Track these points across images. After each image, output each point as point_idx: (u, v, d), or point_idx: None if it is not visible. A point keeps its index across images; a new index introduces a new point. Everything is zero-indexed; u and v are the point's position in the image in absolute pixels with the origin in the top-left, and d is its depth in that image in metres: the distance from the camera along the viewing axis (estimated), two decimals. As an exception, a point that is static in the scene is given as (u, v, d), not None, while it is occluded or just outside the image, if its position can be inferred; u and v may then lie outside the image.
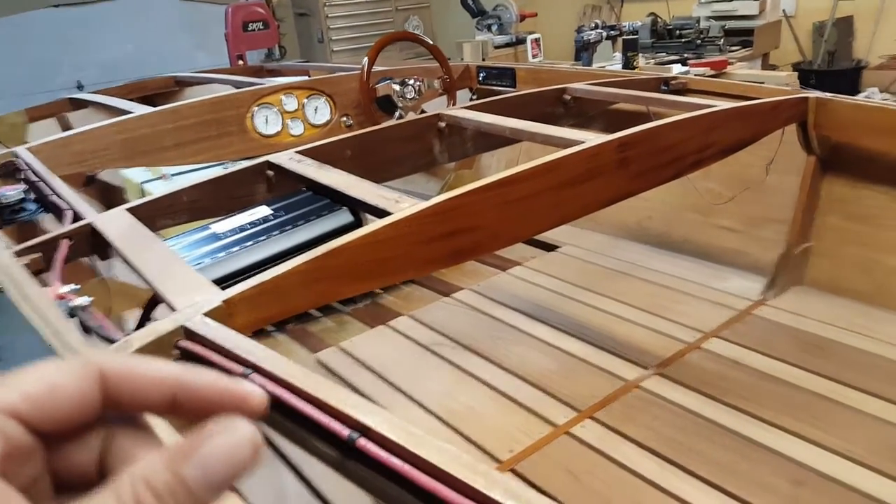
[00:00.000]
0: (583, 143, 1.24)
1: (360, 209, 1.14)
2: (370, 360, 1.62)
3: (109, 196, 2.28)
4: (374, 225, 0.98)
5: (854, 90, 4.45)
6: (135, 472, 0.24)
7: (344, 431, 0.65)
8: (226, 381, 0.27)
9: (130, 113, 1.84)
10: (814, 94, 1.67)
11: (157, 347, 0.80)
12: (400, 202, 1.06)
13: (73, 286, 0.95)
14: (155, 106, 2.03)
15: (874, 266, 1.65)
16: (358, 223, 1.15)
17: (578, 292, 1.86)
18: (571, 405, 1.39)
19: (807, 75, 4.27)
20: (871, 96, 3.94)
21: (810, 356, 1.46)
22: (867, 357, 1.44)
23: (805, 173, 1.75)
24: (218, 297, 0.86)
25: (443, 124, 1.58)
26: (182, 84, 2.89)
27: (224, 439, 0.24)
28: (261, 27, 4.10)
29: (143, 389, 0.27)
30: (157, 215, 1.19)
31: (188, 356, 0.80)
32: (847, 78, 4.54)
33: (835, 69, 4.76)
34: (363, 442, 0.64)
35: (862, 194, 1.68)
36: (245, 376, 0.72)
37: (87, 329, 0.93)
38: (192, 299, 0.86)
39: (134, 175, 2.49)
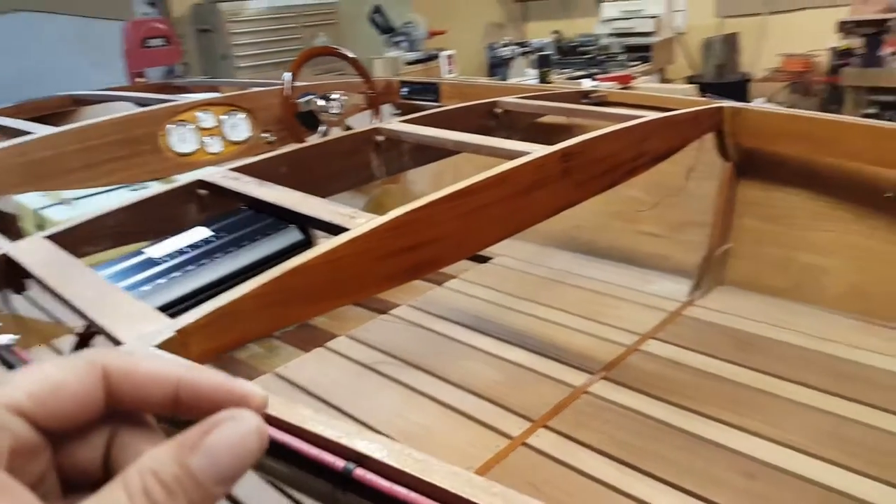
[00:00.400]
0: (529, 153, 1.25)
1: (311, 226, 1.10)
2: (311, 386, 1.56)
3: (2, 225, 2.12)
4: (331, 242, 0.95)
5: (743, 101, 4.72)
6: (143, 465, 0.24)
7: (338, 463, 0.62)
8: (227, 380, 0.28)
9: (30, 134, 1.70)
10: (728, 103, 1.75)
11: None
12: (355, 217, 1.03)
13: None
14: (54, 126, 1.89)
15: (789, 263, 1.74)
16: (308, 241, 1.11)
17: (516, 302, 1.87)
18: (524, 415, 1.38)
19: (700, 88, 4.49)
20: (745, 106, 4.20)
21: (742, 352, 1.52)
22: (793, 349, 1.51)
23: (722, 179, 1.83)
24: (169, 326, 0.80)
25: (381, 138, 1.56)
26: (81, 103, 2.72)
27: (230, 429, 0.24)
28: (162, 43, 3.96)
29: (145, 387, 0.27)
30: (79, 242, 1.10)
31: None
32: (736, 90, 4.81)
33: (724, 82, 5.03)
34: (361, 472, 0.61)
35: (775, 196, 1.78)
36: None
37: (12, 370, 0.85)
38: (140, 330, 0.80)
39: (29, 201, 2.33)
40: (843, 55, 4.02)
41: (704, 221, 1.88)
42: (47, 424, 0.25)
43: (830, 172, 1.64)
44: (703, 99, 2.06)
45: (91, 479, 0.28)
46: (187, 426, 0.26)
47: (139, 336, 0.79)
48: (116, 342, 0.79)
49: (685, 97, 2.15)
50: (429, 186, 2.66)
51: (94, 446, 0.28)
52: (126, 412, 0.28)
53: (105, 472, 0.28)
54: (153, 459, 0.24)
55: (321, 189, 1.47)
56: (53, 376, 0.26)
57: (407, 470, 0.59)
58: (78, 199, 2.34)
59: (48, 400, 0.25)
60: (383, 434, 1.36)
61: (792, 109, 1.69)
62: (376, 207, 2.75)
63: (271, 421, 0.66)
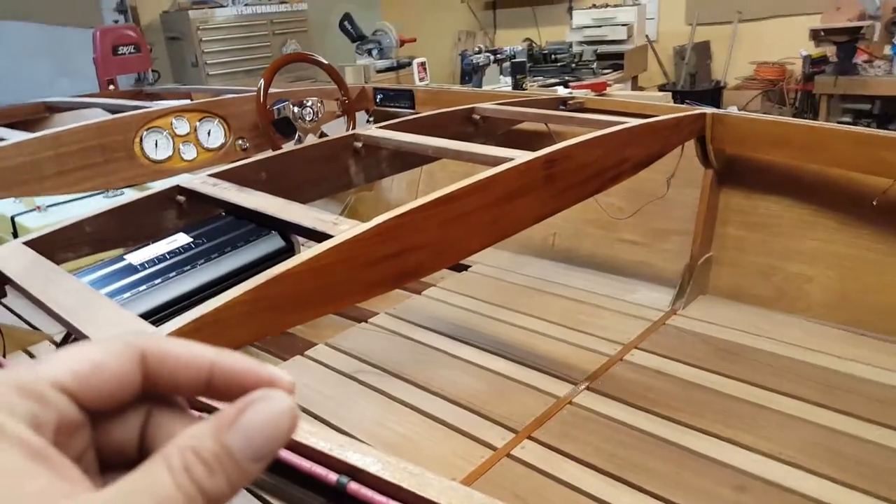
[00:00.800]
0: (512, 160, 1.23)
1: (293, 233, 1.06)
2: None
3: (-27, 232, 2.05)
4: (315, 249, 0.92)
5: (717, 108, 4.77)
6: (182, 442, 0.24)
7: (331, 476, 0.59)
8: (257, 365, 0.28)
9: (3, 140, 1.65)
10: (709, 110, 1.75)
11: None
12: (339, 224, 1.00)
13: (-32, 333, 0.82)
14: (27, 132, 1.84)
15: (773, 272, 1.74)
16: (290, 248, 1.07)
17: (496, 310, 1.85)
18: (507, 426, 1.36)
19: (673, 96, 4.53)
20: (728, 112, 4.25)
21: (727, 362, 1.51)
22: (778, 360, 1.51)
23: (703, 186, 1.83)
24: (152, 334, 0.77)
25: (359, 144, 1.53)
26: (54, 110, 2.65)
27: (264, 408, 0.25)
28: (132, 51, 3.87)
29: (180, 370, 0.28)
30: (57, 248, 1.06)
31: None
32: (709, 97, 4.86)
33: (697, 90, 5.09)
34: (355, 486, 0.58)
35: (757, 204, 1.78)
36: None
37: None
38: (121, 339, 0.76)
39: (1, 207, 2.26)
40: (816, 63, 4.07)
41: (685, 229, 1.88)
42: (89, 402, 0.26)
43: (814, 180, 1.64)
44: (684, 105, 2.06)
45: (127, 458, 0.29)
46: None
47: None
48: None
49: (664, 104, 2.15)
50: (404, 192, 2.63)
51: (131, 427, 0.29)
52: (161, 395, 0.29)
53: (140, 453, 0.29)
54: (192, 437, 0.25)
55: (300, 195, 1.43)
56: (95, 356, 0.27)
57: (403, 484, 0.56)
58: (50, 206, 2.28)
59: (90, 378, 0.26)
60: (364, 444, 1.33)
61: (774, 116, 1.69)
62: (351, 214, 2.72)
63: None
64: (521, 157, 1.25)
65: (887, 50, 3.77)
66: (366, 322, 1.84)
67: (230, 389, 0.28)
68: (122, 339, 0.27)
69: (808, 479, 1.15)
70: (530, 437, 1.32)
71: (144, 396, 0.28)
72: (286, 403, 0.25)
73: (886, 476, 1.14)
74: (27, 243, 1.03)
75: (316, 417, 1.44)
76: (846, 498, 1.10)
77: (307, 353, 1.69)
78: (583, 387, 1.46)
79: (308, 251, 0.91)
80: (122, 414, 0.28)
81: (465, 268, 2.14)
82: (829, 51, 4.06)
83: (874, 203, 1.55)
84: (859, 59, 3.92)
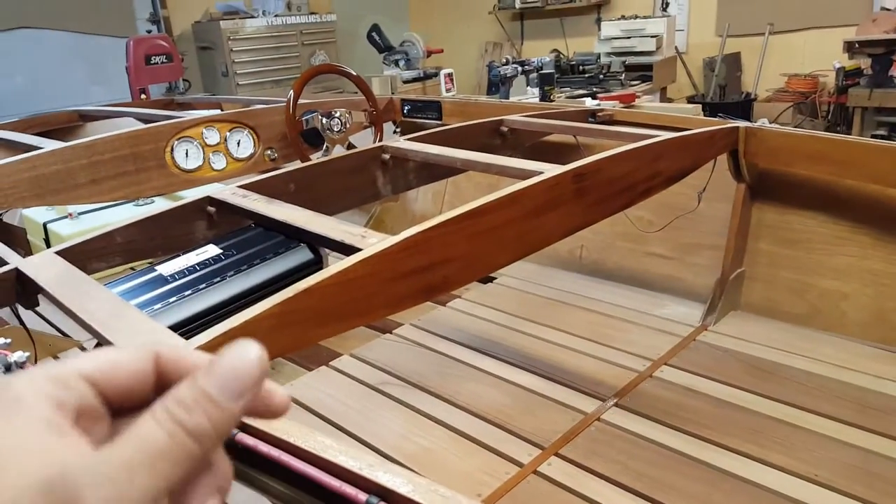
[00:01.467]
0: (541, 173, 1.22)
1: (321, 245, 1.06)
2: (315, 405, 1.52)
3: (8, 238, 2.08)
4: (344, 262, 0.92)
5: (747, 121, 4.72)
6: (165, 397, 0.28)
7: (360, 497, 0.58)
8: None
9: (39, 148, 1.68)
10: (743, 123, 1.73)
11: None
12: (367, 237, 1.00)
13: (2, 339, 0.83)
14: (61, 141, 1.87)
15: (806, 289, 1.71)
16: (318, 260, 1.07)
17: (521, 323, 1.83)
18: (534, 442, 1.34)
19: (702, 108, 4.48)
20: (762, 126, 4.20)
21: (759, 380, 1.48)
22: (813, 378, 1.47)
23: (736, 200, 1.80)
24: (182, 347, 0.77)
25: (387, 156, 1.53)
26: (87, 118, 2.70)
27: (233, 353, 0.28)
28: (164, 60, 3.94)
29: (188, 372, 0.30)
30: (89, 258, 1.07)
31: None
32: (739, 109, 4.80)
33: (727, 102, 5.03)
34: (384, 507, 0.57)
35: (791, 219, 1.75)
36: (233, 437, 0.64)
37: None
38: (151, 351, 0.76)
39: (35, 215, 2.30)
40: (850, 75, 4.01)
41: (716, 244, 1.85)
42: (108, 394, 0.30)
43: (849, 195, 1.61)
44: (716, 119, 2.04)
45: None
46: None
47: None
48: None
49: (694, 116, 2.13)
50: (429, 203, 2.63)
51: None
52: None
53: None
54: (175, 392, 0.28)
55: (327, 207, 1.44)
56: (114, 355, 0.30)
57: (433, 508, 0.55)
58: (82, 213, 2.31)
59: (110, 373, 0.30)
60: (391, 458, 1.33)
61: (809, 130, 1.66)
62: (376, 224, 2.73)
63: (289, 449, 0.62)
64: (550, 170, 1.24)
65: (924, 62, 3.71)
66: (391, 333, 1.83)
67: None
68: (138, 344, 0.32)
69: (842, 502, 1.12)
70: (557, 454, 1.30)
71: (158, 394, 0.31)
72: (254, 347, 0.29)
73: (926, 502, 1.11)
74: (59, 253, 1.04)
75: (341, 429, 1.43)
76: (885, 524, 1.07)
77: (332, 363, 1.69)
78: (611, 403, 1.44)
79: (337, 264, 0.91)
80: (138, 411, 0.30)
81: (491, 279, 2.13)
82: (864, 63, 3.99)
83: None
84: (895, 71, 3.86)
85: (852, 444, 1.25)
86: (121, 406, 0.30)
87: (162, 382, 0.31)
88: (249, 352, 0.29)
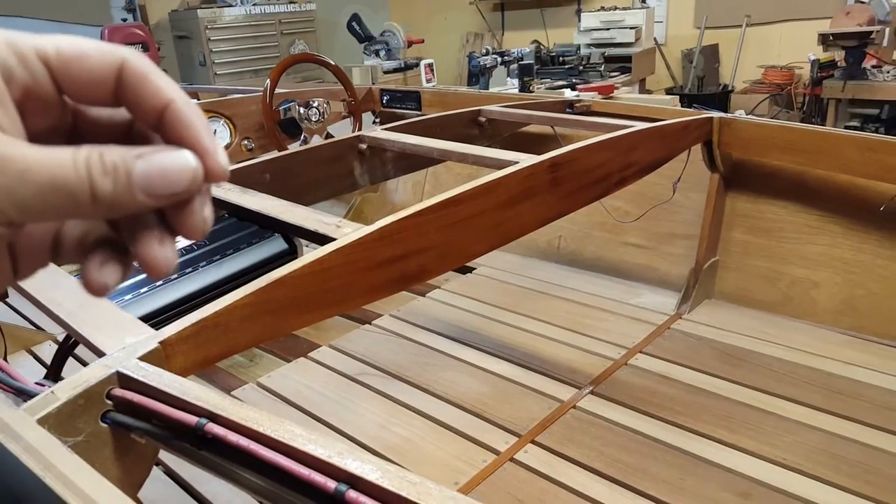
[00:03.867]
0: (517, 163, 1.22)
1: (296, 235, 1.06)
2: (294, 396, 1.52)
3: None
4: (318, 252, 0.92)
5: (724, 112, 4.76)
6: (99, 146, 0.27)
7: (329, 484, 0.58)
8: (206, 133, 0.30)
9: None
10: (716, 114, 1.74)
11: (88, 399, 0.70)
12: (342, 227, 1.00)
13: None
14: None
15: (778, 277, 1.73)
16: (293, 250, 1.07)
17: (500, 313, 1.84)
18: (511, 430, 1.35)
19: (680, 99, 4.52)
20: (736, 117, 4.24)
21: (732, 367, 1.51)
22: (783, 365, 1.50)
23: (710, 190, 1.82)
24: (152, 337, 0.77)
25: (364, 146, 1.53)
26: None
27: (175, 158, 0.28)
28: (140, 49, 3.89)
29: (146, 95, 0.29)
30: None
31: (126, 408, 0.71)
32: (716, 101, 4.84)
33: (705, 93, 5.08)
34: (353, 495, 0.58)
35: (764, 209, 1.77)
36: (201, 427, 0.64)
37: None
38: (122, 341, 0.76)
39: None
40: (824, 67, 4.06)
41: (691, 233, 1.87)
42: (64, 84, 0.29)
43: (821, 185, 1.63)
44: (691, 110, 2.06)
45: None
46: None
47: (122, 347, 0.75)
48: (99, 353, 0.75)
49: (671, 107, 2.14)
50: (409, 194, 2.63)
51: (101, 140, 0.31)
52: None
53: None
54: (107, 149, 0.27)
55: (304, 197, 1.43)
56: (84, 47, 0.29)
57: (402, 493, 0.55)
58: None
59: (71, 62, 0.28)
60: (369, 448, 1.33)
61: (782, 121, 1.68)
62: (356, 215, 2.72)
63: (258, 438, 0.62)
64: (526, 160, 1.24)
65: (896, 54, 3.76)
66: (370, 324, 1.84)
67: (175, 132, 0.30)
68: (110, 45, 0.29)
69: (812, 486, 1.14)
70: (534, 442, 1.32)
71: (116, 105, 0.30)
72: (193, 164, 0.29)
73: (891, 482, 1.13)
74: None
75: (319, 420, 1.44)
76: (851, 505, 1.10)
77: (311, 354, 1.69)
78: (587, 391, 1.46)
79: (311, 254, 0.91)
80: (95, 119, 0.31)
81: (470, 270, 2.14)
82: (838, 55, 4.04)
83: (881, 209, 1.54)
84: (868, 63, 3.91)
85: (821, 428, 1.28)
86: (74, 98, 0.30)
87: (120, 91, 0.30)
88: (189, 163, 0.28)
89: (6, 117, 0.27)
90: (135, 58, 0.30)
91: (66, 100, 0.30)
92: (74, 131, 0.32)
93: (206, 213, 0.31)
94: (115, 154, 0.27)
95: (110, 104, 0.30)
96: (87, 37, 0.29)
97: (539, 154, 1.26)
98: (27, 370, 1.52)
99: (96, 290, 0.31)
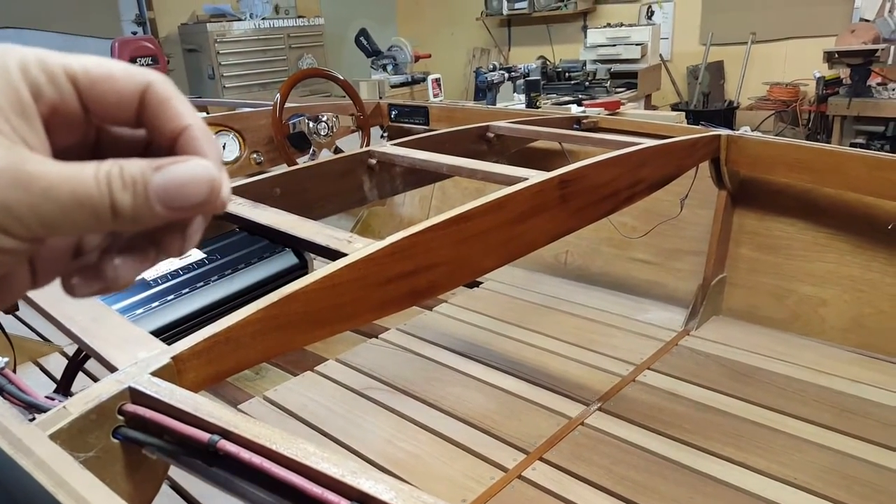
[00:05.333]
0: (527, 179, 1.22)
1: (307, 250, 1.06)
2: (300, 410, 1.52)
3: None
4: (329, 267, 0.92)
5: (729, 129, 4.77)
6: (119, 160, 0.28)
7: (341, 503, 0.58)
8: (206, 142, 0.31)
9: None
10: (724, 132, 1.75)
11: (100, 414, 0.70)
12: (353, 242, 1.00)
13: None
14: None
15: (786, 294, 1.73)
16: (304, 264, 1.07)
17: (507, 328, 1.84)
18: (518, 447, 1.35)
19: (686, 116, 4.53)
20: (743, 134, 4.25)
21: (740, 384, 1.50)
22: (793, 383, 1.49)
23: (717, 207, 1.82)
24: (164, 352, 0.77)
25: (373, 161, 1.53)
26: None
27: (193, 167, 0.29)
28: (149, 62, 3.93)
29: (164, 115, 0.30)
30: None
31: (138, 423, 0.71)
32: (722, 117, 4.85)
33: (710, 109, 5.08)
34: (367, 514, 0.58)
35: (771, 226, 1.77)
36: (214, 444, 0.64)
37: (1, 393, 0.81)
38: (135, 356, 0.76)
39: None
40: (830, 84, 4.06)
41: (698, 250, 1.87)
42: (89, 102, 0.29)
43: (829, 203, 1.63)
44: (698, 127, 2.06)
45: None
46: None
47: (134, 362, 0.75)
48: (111, 367, 0.76)
49: (677, 124, 2.15)
50: (416, 208, 2.64)
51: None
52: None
53: None
54: (127, 160, 0.28)
55: (314, 211, 1.44)
56: (111, 68, 0.29)
57: (415, 514, 0.55)
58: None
59: (98, 82, 0.29)
60: (375, 464, 1.33)
61: (789, 139, 1.69)
62: (364, 228, 2.73)
63: (272, 455, 0.62)
64: (535, 176, 1.24)
65: (902, 72, 3.77)
66: (377, 338, 1.83)
67: (186, 150, 0.30)
68: (139, 68, 0.30)
69: (822, 506, 1.13)
70: (541, 459, 1.31)
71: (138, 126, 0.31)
72: (211, 175, 0.29)
73: (902, 505, 1.13)
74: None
75: (325, 435, 1.43)
76: (862, 527, 1.09)
77: (318, 368, 1.69)
78: (595, 407, 1.45)
79: (322, 269, 0.91)
80: (118, 136, 0.32)
81: (477, 284, 2.14)
82: (843, 73, 4.05)
83: (889, 227, 1.54)
84: (873, 81, 3.91)
85: (830, 447, 1.27)
86: (99, 119, 0.30)
87: (142, 112, 0.30)
88: (208, 174, 0.29)
89: (33, 134, 0.27)
90: (160, 81, 0.30)
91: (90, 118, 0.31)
92: (97, 145, 0.32)
93: (197, 236, 0.32)
94: (134, 168, 0.28)
95: (132, 125, 0.31)
96: (96, 49, 0.30)
97: (547, 170, 1.26)
98: (34, 382, 1.52)
99: (119, 285, 0.33)
